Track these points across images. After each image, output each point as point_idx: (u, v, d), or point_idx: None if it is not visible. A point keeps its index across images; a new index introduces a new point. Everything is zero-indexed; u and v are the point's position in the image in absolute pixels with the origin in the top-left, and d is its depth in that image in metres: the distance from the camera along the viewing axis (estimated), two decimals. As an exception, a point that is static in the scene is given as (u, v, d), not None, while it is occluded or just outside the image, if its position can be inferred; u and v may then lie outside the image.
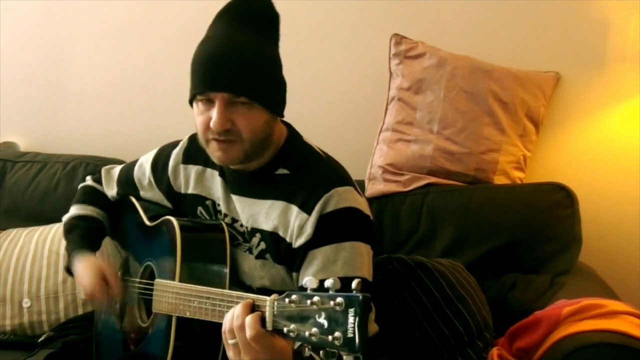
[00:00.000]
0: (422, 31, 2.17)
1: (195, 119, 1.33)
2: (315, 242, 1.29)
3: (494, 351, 1.59)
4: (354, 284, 0.91)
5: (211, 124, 1.27)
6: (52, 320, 1.94)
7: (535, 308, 1.65)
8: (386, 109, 2.15)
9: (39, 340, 1.78)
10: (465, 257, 1.88)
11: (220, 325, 1.11)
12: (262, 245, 1.38)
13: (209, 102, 1.28)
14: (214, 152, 1.32)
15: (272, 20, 1.33)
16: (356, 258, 1.28)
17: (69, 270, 1.58)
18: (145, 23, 2.43)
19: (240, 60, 1.25)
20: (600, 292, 1.66)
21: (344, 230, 1.29)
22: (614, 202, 2.15)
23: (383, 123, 2.15)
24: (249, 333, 1.03)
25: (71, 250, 1.58)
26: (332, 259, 1.27)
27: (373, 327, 1.38)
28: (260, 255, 1.39)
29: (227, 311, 1.10)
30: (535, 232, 1.91)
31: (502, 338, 1.64)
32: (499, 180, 2.06)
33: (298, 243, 1.31)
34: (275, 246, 1.36)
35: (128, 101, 2.47)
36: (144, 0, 2.42)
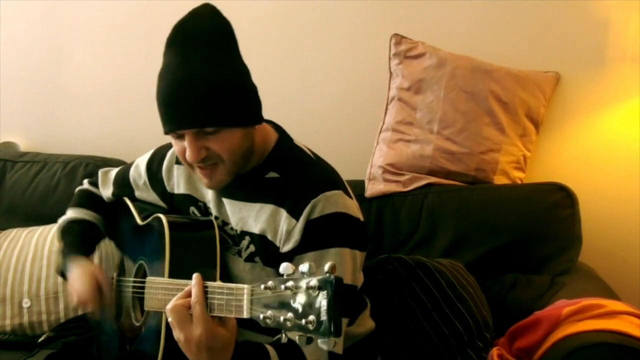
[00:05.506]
0: (422, 31, 2.17)
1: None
2: (302, 248, 1.30)
3: (494, 351, 1.59)
4: (326, 267, 0.90)
5: (187, 157, 1.28)
6: (52, 320, 1.94)
7: (535, 308, 1.65)
8: (386, 109, 2.15)
9: (39, 340, 1.77)
10: (465, 257, 1.88)
11: None
12: (251, 248, 1.38)
13: (180, 135, 1.29)
14: (200, 179, 1.35)
15: (222, 32, 1.27)
16: (341, 264, 1.28)
17: (62, 274, 1.58)
18: (145, 23, 2.43)
19: (197, 92, 1.22)
20: (600, 292, 1.66)
21: (329, 237, 1.30)
22: (614, 202, 2.15)
23: (383, 123, 2.14)
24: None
25: (65, 254, 1.58)
26: (317, 265, 1.27)
27: (369, 324, 1.39)
28: (250, 258, 1.39)
29: (216, 303, 1.10)
30: (535, 232, 1.91)
31: (502, 338, 1.64)
32: (499, 180, 2.06)
33: (286, 248, 1.32)
34: (264, 249, 1.36)
35: (128, 101, 2.47)
36: (143, 0, 2.42)
